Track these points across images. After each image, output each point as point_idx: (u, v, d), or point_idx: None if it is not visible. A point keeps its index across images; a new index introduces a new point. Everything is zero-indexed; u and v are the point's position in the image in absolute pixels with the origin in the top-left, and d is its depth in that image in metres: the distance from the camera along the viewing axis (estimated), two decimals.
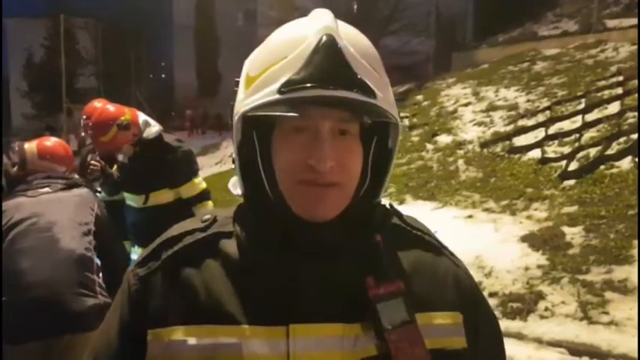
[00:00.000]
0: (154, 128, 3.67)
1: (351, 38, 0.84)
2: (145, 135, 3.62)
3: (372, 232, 0.90)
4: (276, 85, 0.80)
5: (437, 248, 0.98)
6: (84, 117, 4.18)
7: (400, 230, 0.96)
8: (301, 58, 0.80)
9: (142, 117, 3.67)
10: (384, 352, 0.82)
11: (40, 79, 37.14)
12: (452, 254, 1.00)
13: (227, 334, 0.82)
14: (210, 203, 3.77)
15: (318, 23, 0.83)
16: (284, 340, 0.81)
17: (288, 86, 0.79)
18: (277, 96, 0.80)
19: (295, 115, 0.79)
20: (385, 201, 0.98)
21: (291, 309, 0.83)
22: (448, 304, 0.91)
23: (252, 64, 0.89)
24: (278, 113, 0.80)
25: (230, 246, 0.90)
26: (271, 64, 0.84)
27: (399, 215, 0.99)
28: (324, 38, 0.80)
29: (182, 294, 0.87)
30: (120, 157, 3.69)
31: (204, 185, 3.81)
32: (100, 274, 2.63)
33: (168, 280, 0.89)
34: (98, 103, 4.27)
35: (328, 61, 0.79)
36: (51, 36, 35.91)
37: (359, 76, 0.80)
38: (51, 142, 3.10)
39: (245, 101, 0.85)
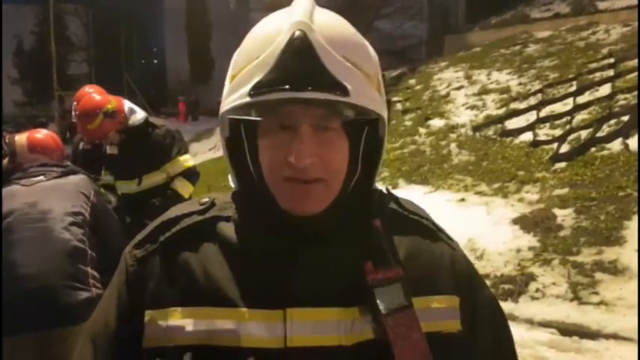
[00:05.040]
0: (139, 115, 3.72)
1: (327, 30, 0.82)
2: (130, 122, 3.66)
3: (370, 217, 0.91)
4: (247, 88, 0.80)
5: (434, 232, 0.98)
6: (74, 103, 4.18)
7: (397, 215, 0.97)
8: (271, 57, 0.79)
9: (127, 105, 3.70)
10: (381, 336, 0.83)
11: (30, 66, 36.72)
12: (448, 237, 1.01)
13: (225, 316, 0.83)
14: (188, 184, 3.80)
15: (291, 17, 0.81)
16: (281, 324, 0.82)
17: (257, 89, 0.78)
18: (247, 99, 0.80)
19: (259, 119, 0.81)
20: (382, 186, 0.98)
21: (288, 293, 0.83)
22: (445, 287, 0.92)
23: (234, 60, 0.89)
24: (248, 117, 0.82)
25: (228, 230, 0.90)
26: (246, 63, 0.83)
27: (396, 200, 0.99)
28: (295, 34, 0.78)
29: (180, 276, 0.87)
30: (108, 150, 3.71)
31: (190, 163, 3.85)
32: (94, 265, 2.60)
33: (166, 262, 0.90)
34: (89, 89, 4.27)
35: (298, 60, 0.77)
36: (41, 22, 35.49)
37: (331, 74, 0.78)
38: (41, 134, 3.06)
39: (225, 101, 0.86)
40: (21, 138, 2.95)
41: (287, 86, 0.77)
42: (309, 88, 0.77)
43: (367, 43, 0.91)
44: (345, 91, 0.78)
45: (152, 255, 0.91)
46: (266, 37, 0.82)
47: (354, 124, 0.85)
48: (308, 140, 0.81)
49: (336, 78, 0.78)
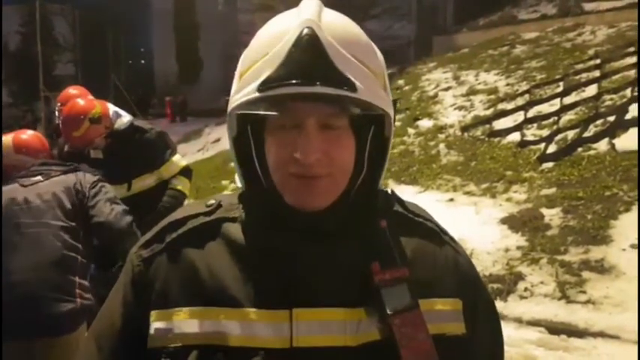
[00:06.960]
0: (125, 119, 3.68)
1: (335, 29, 0.83)
2: (116, 126, 3.62)
3: (375, 217, 0.91)
4: (257, 83, 0.80)
5: (438, 235, 0.98)
6: (58, 104, 4.14)
7: (403, 217, 0.97)
8: (281, 54, 0.79)
9: (112, 108, 3.66)
10: (388, 336, 0.83)
11: (16, 66, 36.37)
12: (452, 240, 1.01)
13: (231, 316, 0.83)
14: (186, 181, 3.82)
15: (300, 16, 0.82)
16: (287, 324, 0.82)
17: (266, 84, 0.79)
18: (257, 94, 0.80)
19: (274, 114, 0.81)
20: (387, 188, 0.99)
21: (294, 293, 0.84)
22: (448, 290, 0.93)
23: (242, 59, 0.89)
24: (257, 112, 0.82)
25: (234, 230, 0.91)
26: (255, 60, 0.84)
27: (401, 202, 1.00)
28: (304, 32, 0.79)
29: (186, 276, 0.88)
30: (92, 154, 3.67)
31: (183, 163, 3.87)
32: (83, 273, 2.57)
33: (172, 262, 0.90)
34: (73, 91, 4.22)
35: (307, 56, 0.78)
36: (26, 22, 35.18)
37: (339, 70, 0.79)
38: (26, 134, 3.01)
39: (233, 97, 0.86)
40: (6, 139, 2.91)
41: (296, 81, 0.77)
42: (318, 83, 0.77)
43: (373, 43, 0.91)
44: (352, 87, 0.79)
45: (158, 255, 0.92)
46: (275, 35, 0.83)
47: (360, 123, 0.86)
48: (314, 136, 0.81)
49: (344, 74, 0.79)
